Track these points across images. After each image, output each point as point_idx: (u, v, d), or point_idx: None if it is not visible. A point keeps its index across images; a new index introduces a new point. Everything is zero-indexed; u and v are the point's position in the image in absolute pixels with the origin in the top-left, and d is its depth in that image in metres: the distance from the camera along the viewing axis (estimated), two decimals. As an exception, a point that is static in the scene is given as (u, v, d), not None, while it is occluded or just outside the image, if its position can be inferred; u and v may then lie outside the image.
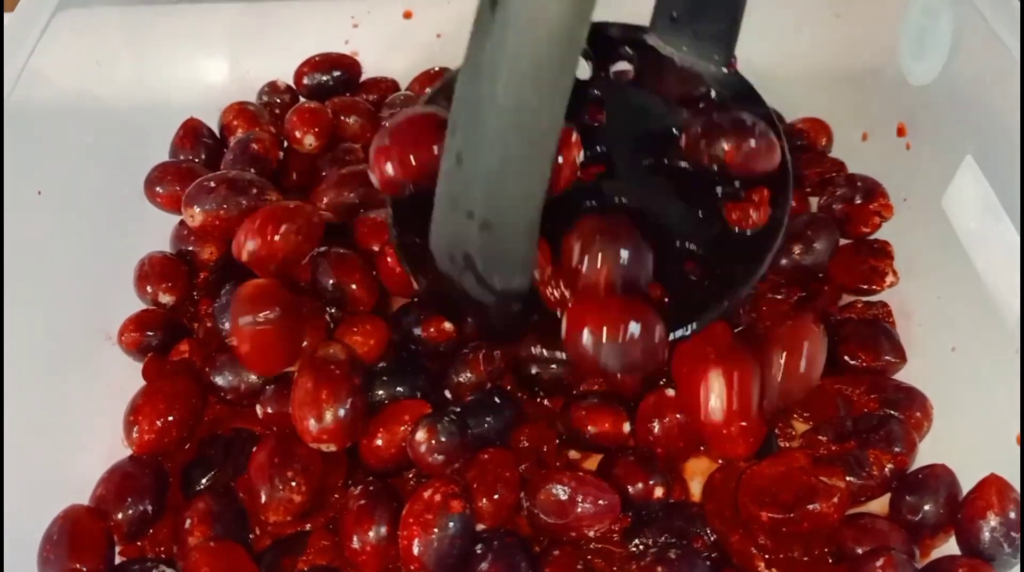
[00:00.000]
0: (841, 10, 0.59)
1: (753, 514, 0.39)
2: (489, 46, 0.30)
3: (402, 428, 0.42)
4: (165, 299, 0.49)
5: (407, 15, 0.63)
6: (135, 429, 0.43)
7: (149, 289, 0.49)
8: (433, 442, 0.40)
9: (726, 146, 0.43)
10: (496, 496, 0.40)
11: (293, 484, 0.40)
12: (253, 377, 0.45)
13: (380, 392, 0.44)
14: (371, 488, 0.40)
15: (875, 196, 0.53)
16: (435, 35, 0.63)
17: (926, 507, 0.40)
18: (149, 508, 0.41)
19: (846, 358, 0.48)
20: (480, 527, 0.40)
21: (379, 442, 0.42)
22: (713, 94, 0.47)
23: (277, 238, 0.43)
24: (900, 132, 0.54)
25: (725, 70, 0.47)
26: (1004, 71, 0.46)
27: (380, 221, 0.49)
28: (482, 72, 0.31)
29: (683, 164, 0.45)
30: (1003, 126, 0.46)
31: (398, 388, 0.44)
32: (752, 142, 0.43)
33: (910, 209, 0.53)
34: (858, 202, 0.53)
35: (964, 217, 0.49)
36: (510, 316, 0.40)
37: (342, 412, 0.40)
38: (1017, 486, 0.39)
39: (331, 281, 0.46)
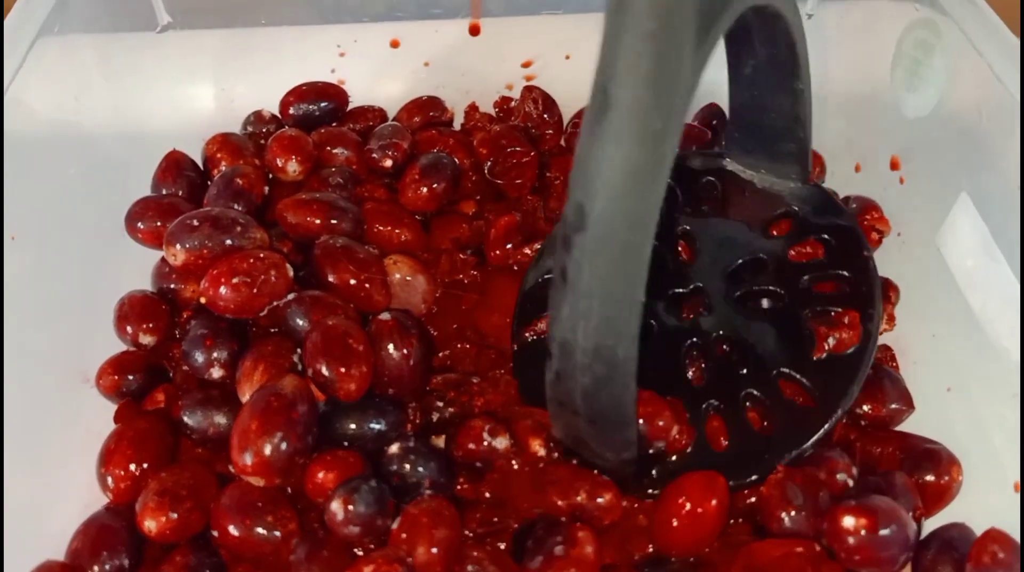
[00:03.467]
0: (835, 39, 0.58)
1: None
2: (566, 306, 0.35)
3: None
4: (146, 340, 0.48)
5: (394, 44, 0.62)
6: (108, 478, 0.41)
7: (129, 329, 0.48)
8: (351, 511, 0.38)
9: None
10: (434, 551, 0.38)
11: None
12: (222, 420, 0.44)
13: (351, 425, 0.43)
14: (312, 539, 0.39)
15: (867, 210, 0.53)
16: (423, 63, 0.63)
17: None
18: (126, 562, 0.40)
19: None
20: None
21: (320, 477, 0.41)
22: (797, 209, 0.49)
23: (230, 291, 0.44)
24: (894, 165, 0.54)
25: (803, 184, 0.50)
26: (1001, 107, 0.45)
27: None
28: (563, 323, 0.36)
29: (773, 288, 0.47)
30: (999, 163, 0.45)
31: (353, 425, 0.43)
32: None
33: (904, 244, 0.53)
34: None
35: (960, 254, 0.48)
36: (628, 472, 0.42)
37: (270, 447, 0.39)
38: (1017, 538, 0.38)
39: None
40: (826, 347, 0.45)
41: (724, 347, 0.46)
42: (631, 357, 0.36)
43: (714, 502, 0.39)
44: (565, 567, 0.37)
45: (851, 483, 0.42)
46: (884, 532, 0.37)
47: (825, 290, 0.47)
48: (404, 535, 0.38)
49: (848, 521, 0.37)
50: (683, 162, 0.52)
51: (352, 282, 0.47)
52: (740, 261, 0.48)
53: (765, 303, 0.47)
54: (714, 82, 0.44)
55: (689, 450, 0.43)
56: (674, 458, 0.42)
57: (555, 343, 0.37)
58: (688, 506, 0.39)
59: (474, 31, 0.62)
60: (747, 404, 0.44)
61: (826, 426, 0.43)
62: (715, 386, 0.44)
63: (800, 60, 0.45)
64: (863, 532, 0.37)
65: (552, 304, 0.36)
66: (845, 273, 0.47)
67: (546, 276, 0.50)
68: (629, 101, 0.31)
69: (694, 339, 0.46)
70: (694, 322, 0.47)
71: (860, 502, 0.38)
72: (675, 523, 0.40)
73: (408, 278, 0.50)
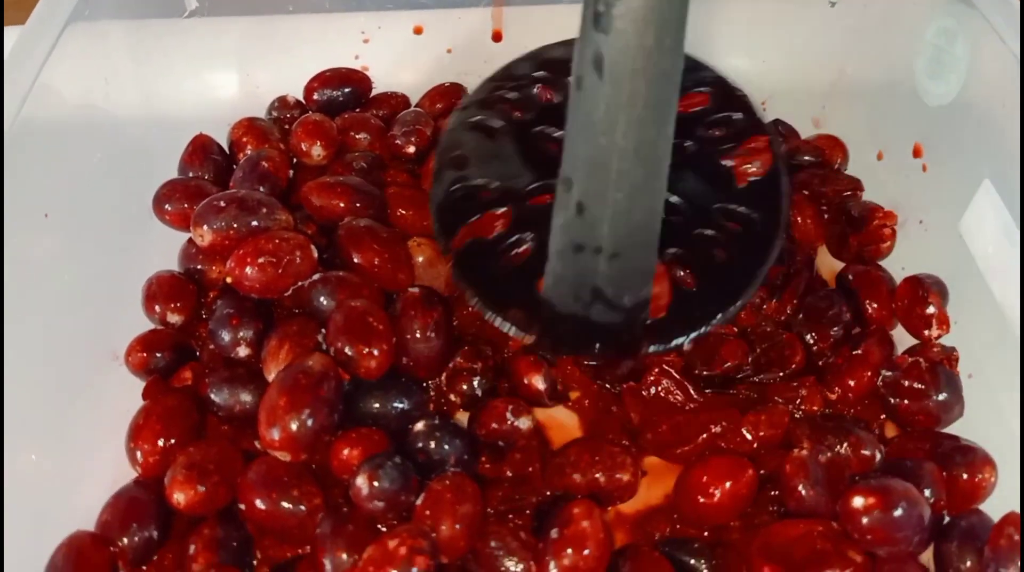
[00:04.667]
0: (857, 27, 0.58)
1: (757, 566, 0.39)
2: (603, 102, 0.34)
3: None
4: (173, 319, 0.49)
5: (417, 30, 0.62)
6: (138, 453, 0.42)
7: (157, 309, 0.49)
8: (376, 487, 0.39)
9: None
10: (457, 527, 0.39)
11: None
12: (248, 397, 0.44)
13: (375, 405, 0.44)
14: (337, 514, 0.40)
15: (873, 212, 0.53)
16: (446, 50, 0.63)
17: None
18: (154, 534, 0.41)
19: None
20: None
21: (345, 453, 0.42)
22: None
23: (257, 271, 0.45)
24: (916, 153, 0.54)
25: None
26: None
27: None
28: (599, 126, 0.35)
29: (680, 141, 0.46)
30: (1021, 150, 0.45)
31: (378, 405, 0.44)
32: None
33: (927, 231, 0.53)
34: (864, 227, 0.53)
35: (982, 242, 0.48)
36: (637, 326, 0.42)
37: (297, 423, 0.40)
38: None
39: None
40: (747, 175, 0.45)
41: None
42: (667, 154, 0.36)
43: (741, 483, 0.40)
44: (570, 543, 0.38)
45: (878, 456, 0.42)
46: (896, 513, 0.37)
47: (724, 131, 0.47)
48: (428, 511, 0.39)
49: (858, 501, 0.38)
50: (545, 55, 0.53)
51: (376, 262, 0.48)
52: None
53: (680, 158, 0.47)
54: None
55: (671, 301, 0.43)
56: (662, 310, 0.42)
57: (580, 162, 0.36)
58: (715, 485, 0.40)
59: (496, 38, 0.63)
60: (700, 244, 0.44)
61: (776, 237, 0.43)
62: (668, 236, 0.44)
63: None
64: (875, 512, 0.37)
65: (579, 110, 0.35)
66: (734, 114, 0.48)
67: (453, 187, 0.48)
68: None
69: None
70: None
71: (871, 483, 0.38)
72: (701, 500, 0.40)
73: (431, 261, 0.50)
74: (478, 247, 0.45)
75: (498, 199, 0.47)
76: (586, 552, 0.37)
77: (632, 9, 0.33)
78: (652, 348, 0.42)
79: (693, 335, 0.42)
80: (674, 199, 0.45)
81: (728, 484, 0.40)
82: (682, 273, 0.43)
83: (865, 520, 0.37)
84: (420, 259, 0.50)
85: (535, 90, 0.51)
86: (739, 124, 0.48)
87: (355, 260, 0.48)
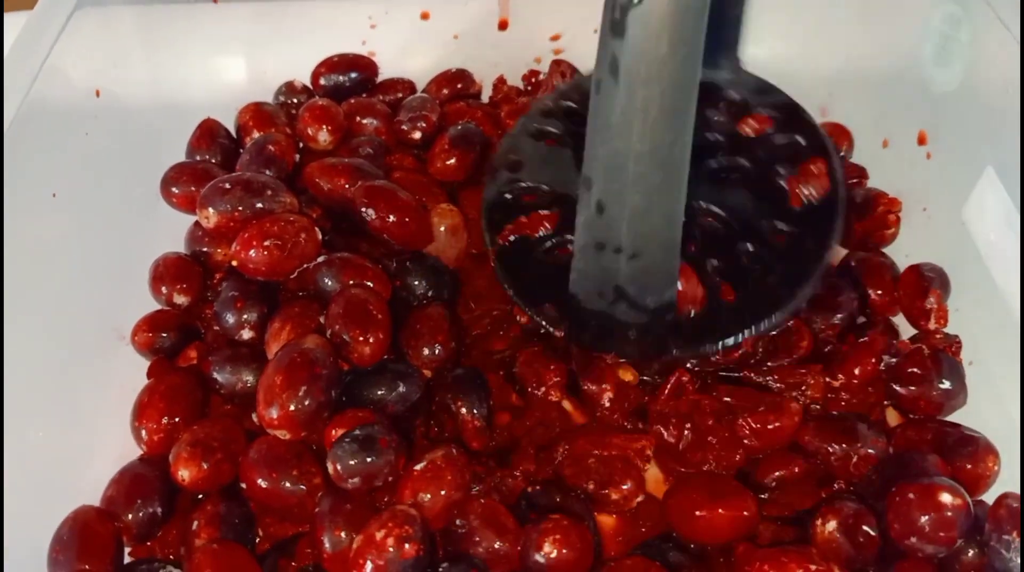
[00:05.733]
0: (863, 14, 0.58)
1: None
2: (619, 106, 0.35)
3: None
4: (180, 300, 0.50)
5: (424, 16, 0.62)
6: (143, 431, 0.43)
7: (164, 290, 0.50)
8: (341, 469, 0.39)
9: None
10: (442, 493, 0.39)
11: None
12: (250, 377, 0.45)
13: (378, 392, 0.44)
14: (336, 493, 0.40)
15: (878, 199, 0.54)
16: (452, 36, 0.63)
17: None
18: (158, 509, 0.41)
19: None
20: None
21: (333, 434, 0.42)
22: (737, 95, 0.50)
23: (263, 254, 0.45)
24: (921, 140, 0.54)
25: (735, 74, 0.50)
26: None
27: None
28: (615, 129, 0.35)
29: (740, 161, 0.48)
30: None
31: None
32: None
33: (930, 218, 0.53)
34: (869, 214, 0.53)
35: (984, 229, 0.48)
36: (663, 327, 0.42)
37: (295, 401, 0.40)
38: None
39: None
40: (802, 197, 0.45)
41: (709, 219, 0.46)
42: (685, 159, 0.36)
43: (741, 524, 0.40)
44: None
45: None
46: (947, 513, 0.38)
47: (784, 153, 0.48)
48: (410, 487, 0.39)
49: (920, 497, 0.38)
50: None
51: (391, 218, 0.48)
52: (698, 146, 0.49)
53: (735, 176, 0.48)
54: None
55: (704, 308, 0.43)
56: (693, 314, 0.43)
57: (598, 163, 0.37)
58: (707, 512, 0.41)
59: (502, 26, 0.63)
60: (743, 258, 0.44)
61: (822, 260, 0.44)
62: (711, 249, 0.45)
63: None
64: (933, 512, 0.38)
65: (597, 112, 0.36)
66: (798, 137, 0.48)
67: (505, 186, 0.49)
68: None
69: None
70: None
71: (924, 481, 0.39)
72: (698, 515, 0.41)
73: (451, 230, 0.51)
74: (522, 245, 0.47)
75: (548, 202, 0.48)
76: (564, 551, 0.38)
77: (646, 18, 0.33)
78: (678, 351, 0.43)
79: (723, 344, 0.43)
80: (719, 211, 0.46)
81: (729, 519, 0.40)
82: (721, 284, 0.44)
83: (927, 518, 0.38)
84: (442, 227, 0.51)
85: None
86: (801, 146, 0.48)
87: (370, 215, 0.48)
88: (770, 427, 0.44)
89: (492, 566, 0.39)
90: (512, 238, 0.48)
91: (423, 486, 0.39)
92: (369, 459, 0.39)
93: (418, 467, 0.40)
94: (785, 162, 0.47)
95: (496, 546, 0.39)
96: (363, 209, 0.48)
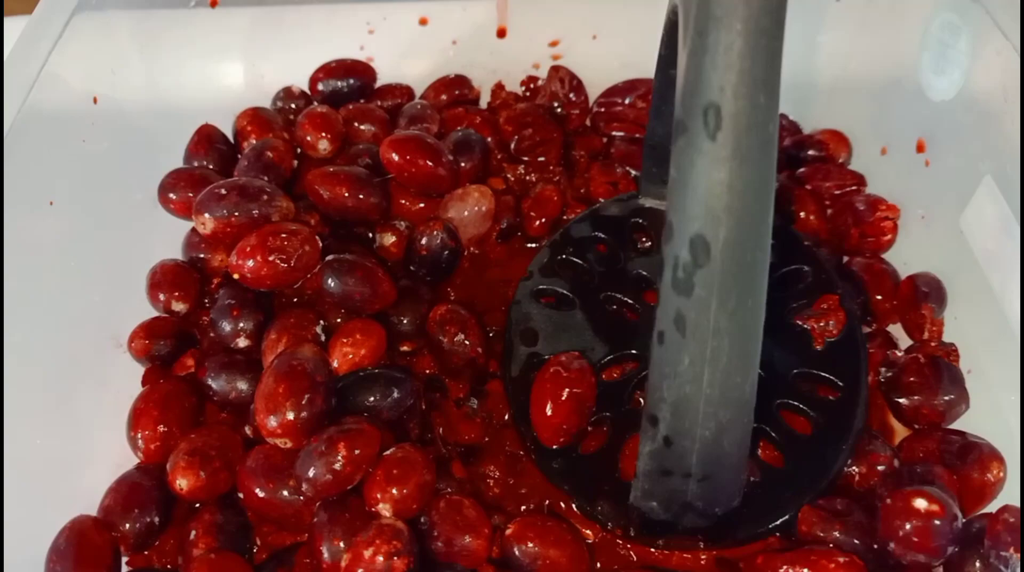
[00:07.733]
0: (862, 22, 0.58)
1: None
2: (687, 358, 0.34)
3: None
4: (178, 307, 0.49)
5: (423, 22, 0.62)
6: (139, 440, 0.43)
7: (161, 297, 0.49)
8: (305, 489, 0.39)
9: None
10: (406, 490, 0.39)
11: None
12: (244, 385, 0.45)
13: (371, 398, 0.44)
14: (333, 502, 0.40)
15: (875, 204, 0.54)
16: (451, 42, 0.63)
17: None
18: (156, 519, 0.41)
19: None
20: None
21: None
22: None
23: (265, 268, 0.45)
24: (919, 148, 0.54)
25: None
26: (1025, 90, 0.45)
27: None
28: (683, 377, 0.34)
29: None
30: (1022, 146, 0.45)
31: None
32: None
33: (928, 226, 0.53)
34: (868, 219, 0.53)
35: (982, 237, 0.48)
36: (729, 524, 0.41)
37: (296, 410, 0.40)
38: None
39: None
40: (824, 335, 0.46)
41: None
42: (754, 394, 0.36)
43: None
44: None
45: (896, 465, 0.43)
46: (936, 522, 0.37)
47: (789, 289, 0.48)
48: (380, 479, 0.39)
49: (916, 503, 0.38)
50: (601, 213, 0.53)
51: (415, 160, 0.51)
52: None
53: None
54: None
55: (758, 479, 0.42)
56: (750, 485, 0.42)
57: (665, 405, 0.36)
58: None
59: (501, 34, 0.63)
60: (782, 418, 0.44)
61: (860, 404, 0.44)
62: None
63: None
64: (925, 520, 0.37)
65: (664, 361, 0.35)
66: (804, 267, 0.48)
67: (527, 365, 0.47)
68: (748, 111, 0.30)
69: None
70: None
71: (920, 488, 0.38)
72: None
73: (481, 211, 0.52)
74: None
75: None
76: None
77: (712, 278, 0.32)
78: (743, 536, 0.42)
79: (781, 521, 0.42)
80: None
81: None
82: (767, 451, 0.44)
83: (908, 525, 0.38)
84: (476, 206, 0.52)
85: (595, 252, 0.52)
86: (807, 280, 0.48)
87: (393, 158, 0.51)
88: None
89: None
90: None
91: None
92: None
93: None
94: (796, 297, 0.48)
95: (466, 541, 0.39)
96: (389, 154, 0.50)
